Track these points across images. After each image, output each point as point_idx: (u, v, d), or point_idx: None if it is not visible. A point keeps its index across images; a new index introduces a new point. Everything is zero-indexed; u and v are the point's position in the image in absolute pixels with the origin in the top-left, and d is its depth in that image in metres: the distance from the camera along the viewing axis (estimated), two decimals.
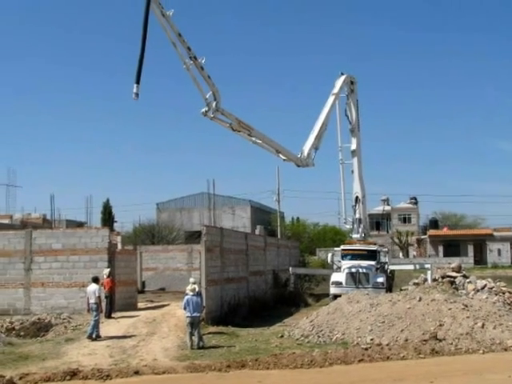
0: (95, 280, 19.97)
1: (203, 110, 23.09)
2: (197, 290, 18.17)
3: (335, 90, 31.90)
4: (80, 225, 57.42)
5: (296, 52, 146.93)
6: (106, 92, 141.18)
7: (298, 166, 28.71)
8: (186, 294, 18.09)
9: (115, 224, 72.14)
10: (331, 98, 31.38)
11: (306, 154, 28.48)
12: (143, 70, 19.87)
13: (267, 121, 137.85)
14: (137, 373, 14.06)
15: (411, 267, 38.96)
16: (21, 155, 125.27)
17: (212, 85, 22.75)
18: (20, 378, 13.59)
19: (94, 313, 19.00)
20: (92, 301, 19.19)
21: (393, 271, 35.60)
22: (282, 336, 19.26)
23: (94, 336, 18.69)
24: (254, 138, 26.16)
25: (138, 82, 19.86)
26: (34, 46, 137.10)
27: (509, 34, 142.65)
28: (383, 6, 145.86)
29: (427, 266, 33.20)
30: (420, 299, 19.10)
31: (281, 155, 27.75)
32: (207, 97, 22.87)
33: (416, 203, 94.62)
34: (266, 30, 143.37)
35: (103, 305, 20.75)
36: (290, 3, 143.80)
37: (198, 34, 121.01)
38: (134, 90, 19.81)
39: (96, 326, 18.94)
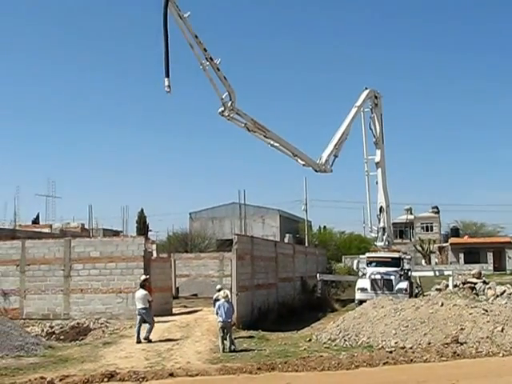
0: (143, 286, 20.11)
1: (220, 109, 23.91)
2: (229, 296, 18.62)
3: (358, 103, 32.57)
4: (116, 233, 58.18)
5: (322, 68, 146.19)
6: (142, 103, 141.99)
7: (316, 171, 29.44)
8: (217, 300, 18.68)
9: (150, 233, 72.71)
10: (353, 110, 32.05)
11: (324, 160, 29.17)
12: (170, 70, 20.66)
13: (289, 134, 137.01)
14: (171, 375, 14.24)
15: (432, 274, 39.16)
16: (60, 167, 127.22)
17: (228, 85, 23.37)
18: (60, 380, 13.92)
19: (144, 318, 19.30)
20: (139, 306, 19.44)
21: (419, 277, 36.01)
22: (309, 340, 19.38)
23: (145, 339, 19.02)
24: (271, 141, 26.74)
25: (167, 75, 20.60)
26: (72, 57, 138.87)
27: None
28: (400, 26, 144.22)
29: (447, 272, 33.63)
30: (442, 304, 19.17)
31: (299, 160, 28.32)
32: (223, 97, 23.60)
33: (438, 212, 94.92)
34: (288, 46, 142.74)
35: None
36: (310, 17, 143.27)
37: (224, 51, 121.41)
38: (166, 83, 20.50)
39: (149, 330, 19.24)
